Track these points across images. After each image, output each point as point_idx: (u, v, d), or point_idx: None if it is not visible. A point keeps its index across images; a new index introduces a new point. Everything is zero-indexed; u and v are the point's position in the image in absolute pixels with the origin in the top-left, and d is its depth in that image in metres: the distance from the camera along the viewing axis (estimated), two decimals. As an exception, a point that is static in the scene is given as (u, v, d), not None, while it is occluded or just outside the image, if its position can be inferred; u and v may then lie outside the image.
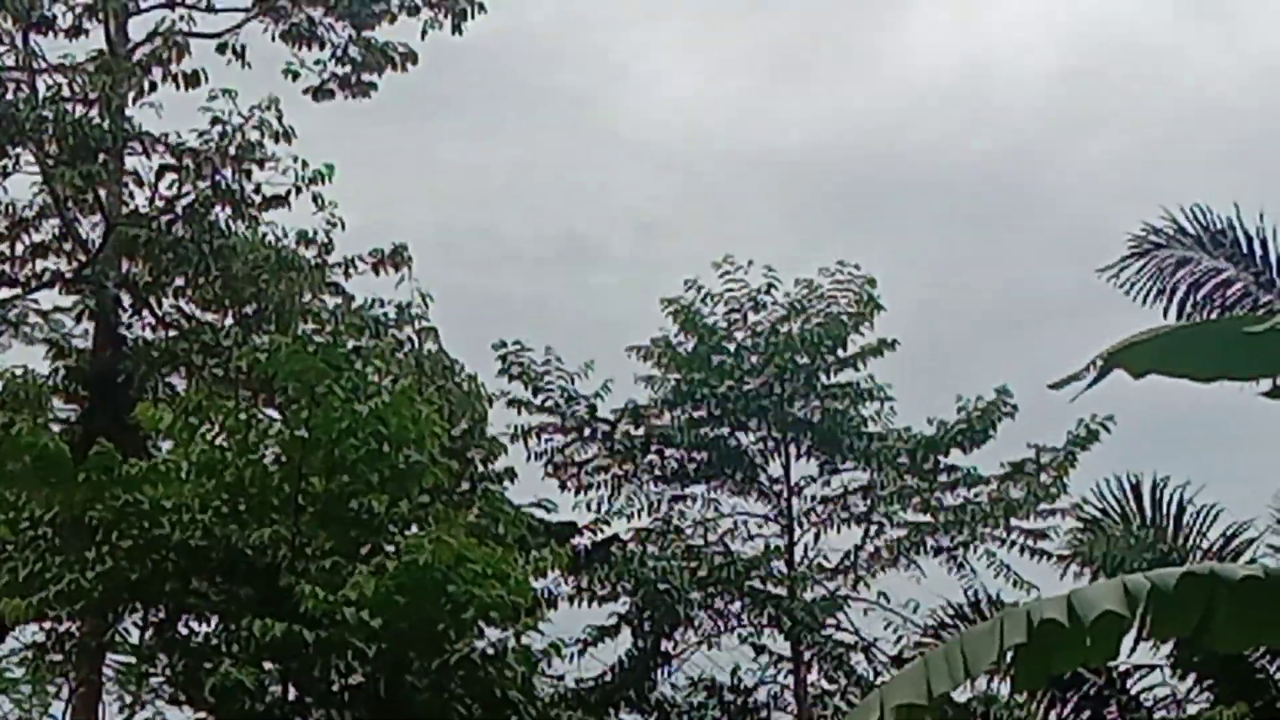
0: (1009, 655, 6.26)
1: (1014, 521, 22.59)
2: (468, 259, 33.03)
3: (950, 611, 20.25)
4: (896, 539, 23.02)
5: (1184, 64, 38.89)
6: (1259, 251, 19.07)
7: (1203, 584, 6.41)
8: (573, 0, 36.12)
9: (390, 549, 15.46)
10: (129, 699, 25.63)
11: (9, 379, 20.92)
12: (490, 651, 14.84)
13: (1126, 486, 19.35)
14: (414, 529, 16.09)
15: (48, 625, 20.36)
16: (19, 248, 21.90)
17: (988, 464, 23.12)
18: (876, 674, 22.32)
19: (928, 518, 22.89)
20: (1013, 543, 22.59)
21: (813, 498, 23.47)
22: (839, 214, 37.51)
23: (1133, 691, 18.90)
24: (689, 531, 23.56)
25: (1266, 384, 6.84)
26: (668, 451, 23.50)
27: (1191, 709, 18.57)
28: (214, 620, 16.14)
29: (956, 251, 36.91)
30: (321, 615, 13.98)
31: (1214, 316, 19.08)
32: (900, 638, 22.54)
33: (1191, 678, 18.59)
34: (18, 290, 22.04)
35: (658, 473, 23.61)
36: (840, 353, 23.30)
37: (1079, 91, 38.49)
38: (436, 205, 34.72)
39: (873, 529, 23.15)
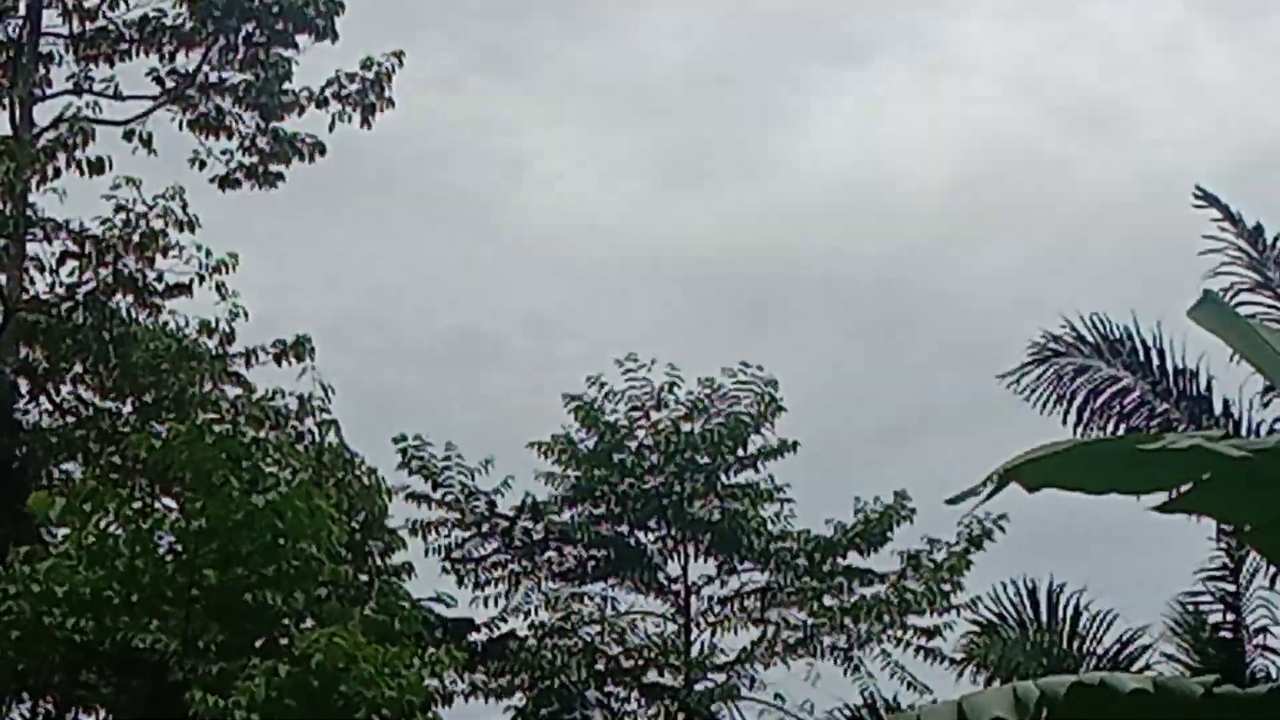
0: (899, 762, 6.27)
1: (909, 620, 22.68)
2: (365, 352, 32.95)
3: (846, 713, 20.24)
4: (793, 639, 23.06)
5: (1078, 175, 39.46)
6: (1155, 360, 19.28)
7: (1093, 693, 6.44)
8: (477, 101, 36.27)
9: (284, 642, 15.32)
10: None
11: (-99, 462, 20.66)
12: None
13: (1023, 590, 19.43)
14: (309, 623, 15.94)
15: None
16: (-85, 331, 21.67)
17: (884, 568, 23.24)
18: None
19: (823, 617, 22.95)
20: (908, 643, 22.67)
21: (710, 597, 23.50)
22: (736, 316, 37.71)
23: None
24: (587, 628, 23.51)
25: (1160, 497, 6.92)
26: (566, 548, 23.48)
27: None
28: (103, 714, 15.93)
29: (854, 356, 37.21)
30: (212, 719, 13.83)
31: (1111, 424, 19.27)
32: (795, 739, 22.56)
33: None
34: (-87, 373, 21.81)
35: (556, 569, 23.58)
36: (741, 453, 23.39)
37: (974, 200, 38.98)
38: (334, 297, 34.59)
39: (769, 629, 23.18)
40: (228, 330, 21.42)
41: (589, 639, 23.30)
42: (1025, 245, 38.82)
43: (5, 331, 21.08)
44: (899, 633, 22.74)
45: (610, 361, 23.65)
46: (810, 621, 23.07)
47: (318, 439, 20.97)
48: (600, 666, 22.95)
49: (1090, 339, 19.69)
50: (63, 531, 17.23)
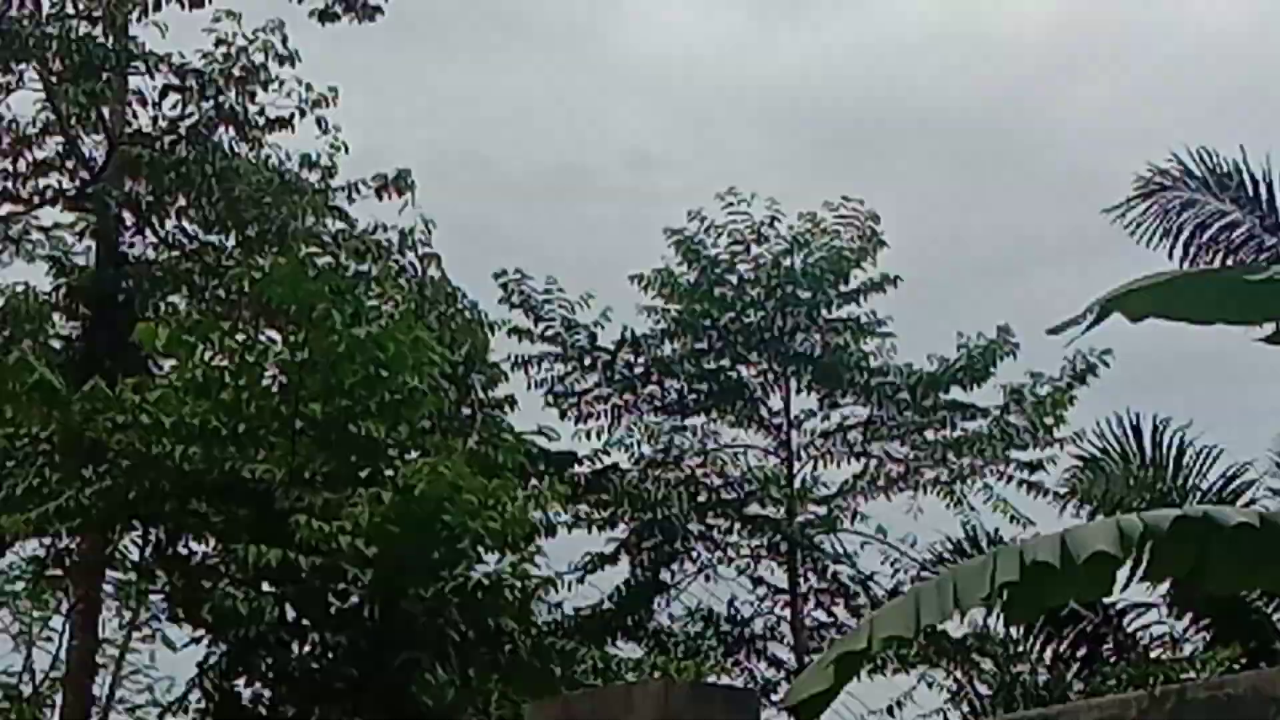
0: (1001, 591, 6.26)
1: (1012, 454, 22.63)
2: (464, 186, 32.90)
3: (948, 546, 20.30)
4: (895, 472, 23.08)
5: (1185, 7, 38.68)
6: (1264, 195, 19.04)
7: (1197, 528, 6.40)
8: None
9: (389, 474, 15.45)
10: (128, 615, 25.76)
11: (10, 296, 20.91)
12: (486, 580, 14.84)
13: (1127, 426, 19.34)
14: (412, 455, 16.07)
15: (47, 541, 20.45)
16: (22, 164, 21.82)
17: (987, 402, 23.16)
18: (874, 606, 22.39)
19: (925, 451, 22.94)
20: (1010, 477, 22.64)
21: (812, 431, 23.51)
22: (837, 149, 37.40)
23: (1129, 629, 18.95)
24: (689, 461, 23.61)
25: (1268, 329, 6.82)
26: (668, 382, 23.51)
27: (1187, 648, 18.63)
28: (212, 541, 16.17)
29: (956, 190, 36.81)
30: (317, 543, 14.00)
31: (1219, 259, 19.06)
32: (897, 572, 22.66)
33: (1188, 617, 18.64)
34: (20, 207, 22.00)
35: (658, 403, 23.64)
36: (842, 287, 23.27)
37: (1079, 33, 38.29)
38: (434, 131, 34.59)
39: (871, 463, 23.20)
40: (329, 164, 21.45)
41: (690, 471, 23.42)
42: (1130, 79, 38.20)
43: (110, 165, 21.21)
44: (1001, 467, 22.70)
45: (711, 196, 23.55)
46: (912, 455, 23.06)
47: (419, 273, 21.04)
48: (702, 499, 23.07)
49: (1198, 173, 19.42)
50: (169, 363, 17.43)
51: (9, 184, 21.79)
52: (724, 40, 38.78)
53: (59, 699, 22.45)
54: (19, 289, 20.99)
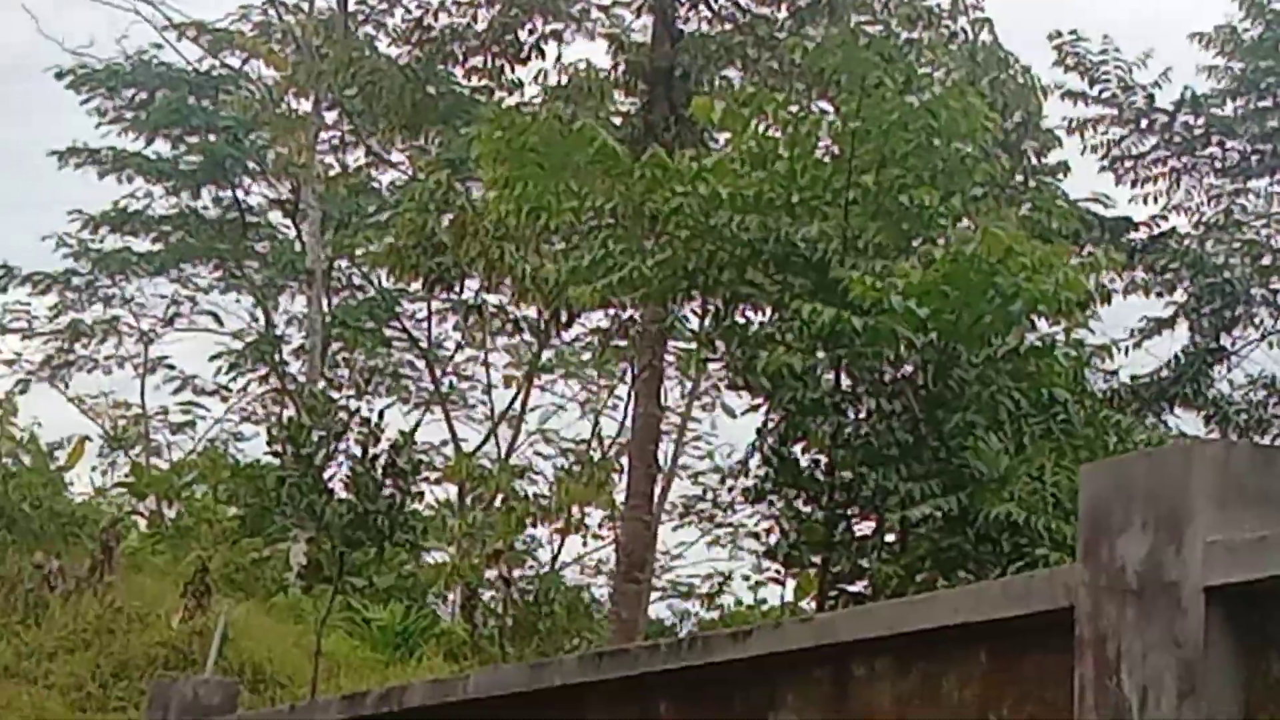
0: None
1: None
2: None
3: None
4: None
5: None
6: None
7: None
8: None
9: (940, 243, 15.44)
10: (689, 383, 26.59)
11: (573, 72, 21.59)
12: (1039, 346, 14.75)
13: None
14: (964, 223, 16.01)
15: (612, 312, 21.27)
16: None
17: None
18: None
19: None
20: None
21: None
22: None
23: None
24: (1251, 224, 22.88)
25: None
26: (1229, 143, 22.74)
27: None
28: (768, 310, 16.49)
29: None
30: (870, 303, 14.11)
31: None
32: None
33: None
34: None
35: (1218, 165, 22.91)
36: None
37: None
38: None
39: None
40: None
41: (1254, 233, 22.68)
42: None
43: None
44: None
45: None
46: None
47: (971, 38, 20.78)
48: (1265, 262, 22.33)
49: None
50: (724, 136, 17.73)
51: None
52: None
53: (625, 463, 23.44)
54: (581, 67, 21.65)
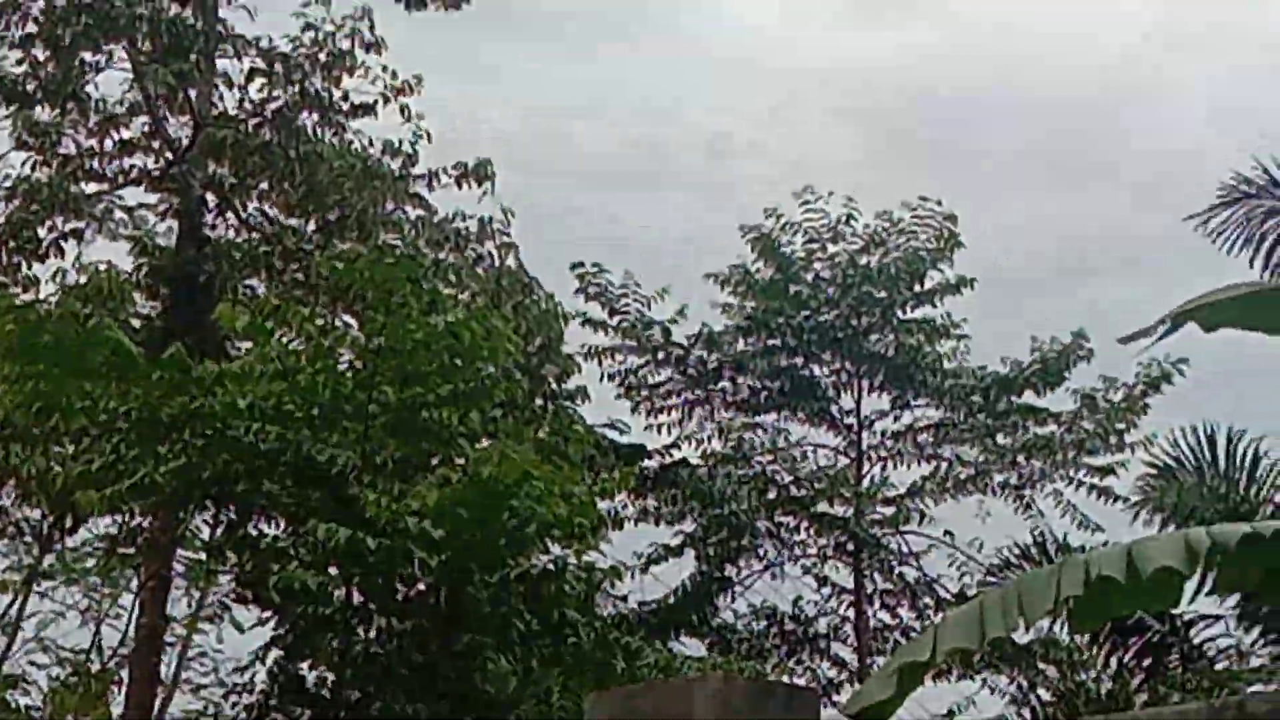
0: (1066, 603, 6.26)
1: (1083, 459, 22.53)
2: (545, 172, 33.04)
3: (1015, 552, 20.23)
4: (964, 475, 23.02)
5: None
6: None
7: (1266, 543, 6.38)
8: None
9: (460, 461, 15.52)
10: (197, 594, 25.94)
11: (92, 273, 21.09)
12: (551, 568, 14.90)
13: (1201, 436, 19.24)
14: (484, 443, 16.14)
15: (120, 519, 20.63)
16: (108, 144, 22.01)
17: (1059, 407, 23.06)
18: (939, 609, 22.36)
19: (996, 454, 22.87)
20: (1080, 483, 22.54)
21: (883, 432, 23.49)
22: (917, 148, 37.29)
23: (1195, 641, 18.85)
24: (759, 458, 23.62)
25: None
26: (740, 379, 23.55)
27: (1255, 661, 18.52)
28: (282, 523, 16.27)
29: (1035, 192, 36.66)
30: (385, 524, 14.07)
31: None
32: (963, 575, 22.60)
33: (1256, 630, 18.53)
34: (105, 186, 22.17)
35: (730, 399, 23.67)
36: (917, 288, 23.24)
37: (1166, 34, 38.07)
38: (516, 117, 34.64)
39: (941, 465, 23.15)
40: (410, 151, 21.56)
41: (760, 468, 23.43)
42: (1214, 85, 37.95)
43: (195, 146, 21.37)
44: (1071, 472, 22.62)
45: (787, 188, 23.60)
46: (982, 458, 23.01)
47: (497, 262, 21.12)
48: (771, 495, 23.09)
49: (1283, 183, 19.28)
50: (246, 345, 17.54)
51: (94, 163, 21.98)
52: (809, 33, 38.79)
53: (125, 676, 22.65)
54: (101, 267, 21.19)
